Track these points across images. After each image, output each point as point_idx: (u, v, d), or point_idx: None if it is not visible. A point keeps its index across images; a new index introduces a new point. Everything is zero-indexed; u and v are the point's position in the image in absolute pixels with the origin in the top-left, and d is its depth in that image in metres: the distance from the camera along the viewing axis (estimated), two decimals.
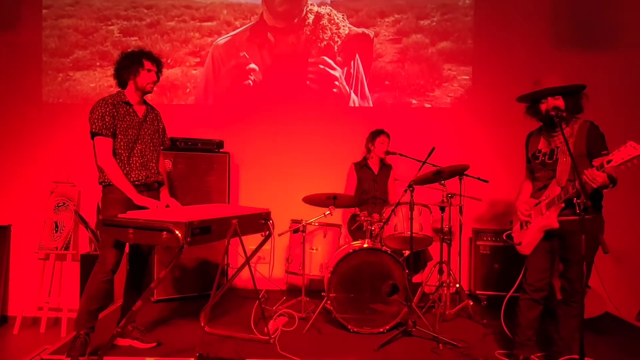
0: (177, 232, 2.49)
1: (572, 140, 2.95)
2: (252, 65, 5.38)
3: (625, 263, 4.85)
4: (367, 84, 5.41)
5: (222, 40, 5.41)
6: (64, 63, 5.37)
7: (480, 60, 5.27)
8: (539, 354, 3.19)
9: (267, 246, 3.49)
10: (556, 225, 2.96)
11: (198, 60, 5.43)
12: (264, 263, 4.50)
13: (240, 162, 5.29)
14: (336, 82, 5.39)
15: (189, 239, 2.53)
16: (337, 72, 5.39)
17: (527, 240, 3.13)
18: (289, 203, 4.54)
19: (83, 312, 3.08)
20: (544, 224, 3.02)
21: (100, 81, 5.37)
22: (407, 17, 5.42)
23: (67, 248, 4.76)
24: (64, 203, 4.85)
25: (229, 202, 4.88)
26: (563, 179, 2.95)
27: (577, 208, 2.54)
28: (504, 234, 3.37)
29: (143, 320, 3.78)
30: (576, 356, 2.60)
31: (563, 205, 2.92)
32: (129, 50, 3.33)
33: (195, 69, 5.43)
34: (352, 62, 5.40)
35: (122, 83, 3.28)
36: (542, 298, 3.08)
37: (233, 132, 5.22)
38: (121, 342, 3.32)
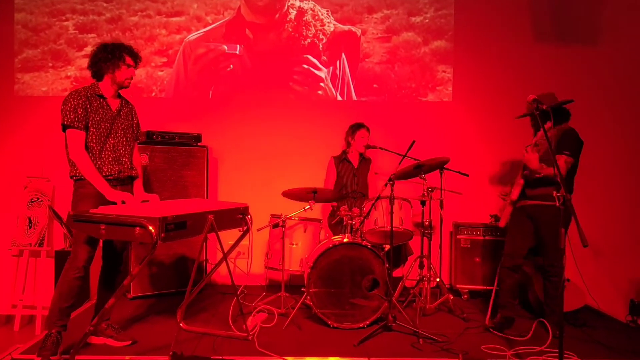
0: (150, 227, 2.43)
1: (554, 140, 3.42)
2: (226, 48, 5.04)
3: (604, 256, 4.90)
4: (354, 87, 5.14)
5: (194, 36, 5.05)
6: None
7: (462, 55, 5.23)
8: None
9: (245, 241, 3.44)
10: (514, 197, 3.69)
11: (165, 60, 5.01)
12: (243, 258, 4.43)
13: (218, 156, 5.21)
14: (321, 84, 5.13)
15: (163, 235, 2.49)
16: (323, 73, 5.13)
17: (503, 217, 3.84)
18: (268, 197, 4.50)
19: (54, 309, 2.99)
20: (510, 199, 3.75)
21: (53, 84, 4.74)
22: (397, 12, 5.07)
23: (41, 244, 4.66)
24: (38, 198, 4.73)
25: (207, 197, 4.81)
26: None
27: (557, 201, 2.71)
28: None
29: (118, 317, 3.70)
30: (556, 350, 2.63)
31: (522, 182, 3.64)
32: (108, 42, 3.21)
33: (162, 70, 5.00)
34: (337, 62, 5.11)
35: (98, 75, 3.18)
36: (516, 267, 3.71)
37: (212, 126, 5.12)
38: (95, 340, 3.24)
